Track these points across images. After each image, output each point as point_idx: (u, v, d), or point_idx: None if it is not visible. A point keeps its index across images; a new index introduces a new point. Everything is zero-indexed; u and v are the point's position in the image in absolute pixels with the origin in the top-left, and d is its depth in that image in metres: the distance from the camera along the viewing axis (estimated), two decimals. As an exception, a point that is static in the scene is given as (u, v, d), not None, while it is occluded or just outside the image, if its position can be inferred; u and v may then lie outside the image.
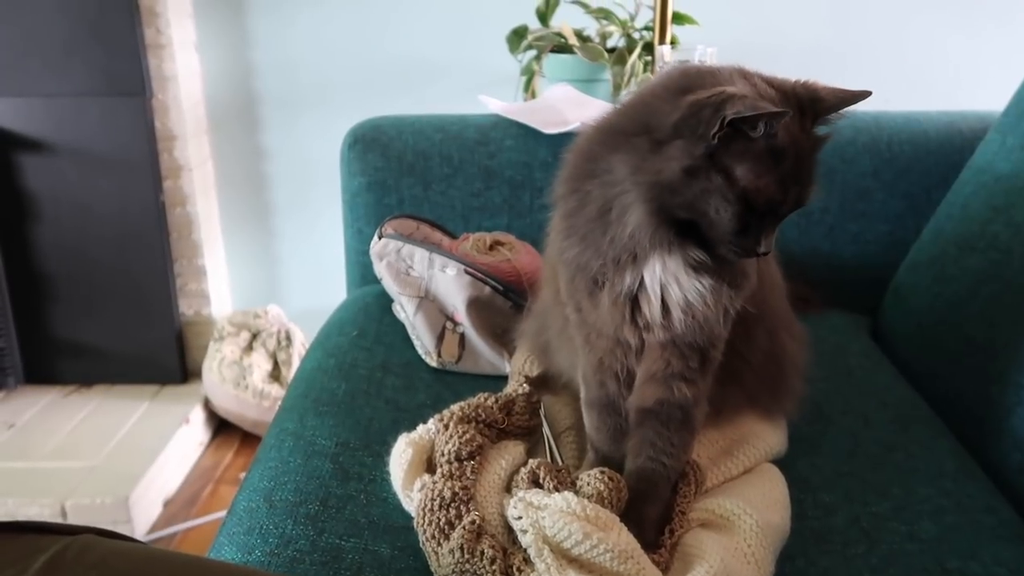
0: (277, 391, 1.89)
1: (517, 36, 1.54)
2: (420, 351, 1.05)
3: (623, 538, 0.63)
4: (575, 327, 0.74)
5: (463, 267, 1.06)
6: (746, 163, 0.58)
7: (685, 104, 0.58)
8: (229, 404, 1.90)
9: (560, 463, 0.79)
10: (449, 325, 1.05)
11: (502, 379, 0.98)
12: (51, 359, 1.97)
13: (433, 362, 1.03)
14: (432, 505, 0.69)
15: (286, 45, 1.87)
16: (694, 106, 0.58)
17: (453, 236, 1.19)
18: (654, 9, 1.41)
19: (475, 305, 1.04)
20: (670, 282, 0.65)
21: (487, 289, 1.05)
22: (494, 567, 0.63)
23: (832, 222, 1.23)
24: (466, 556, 0.63)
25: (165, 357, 1.98)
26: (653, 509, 0.71)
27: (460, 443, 0.75)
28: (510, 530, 0.68)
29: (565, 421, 0.86)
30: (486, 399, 0.83)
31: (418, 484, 0.73)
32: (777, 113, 0.56)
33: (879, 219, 1.23)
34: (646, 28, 1.49)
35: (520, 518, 0.66)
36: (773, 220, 0.61)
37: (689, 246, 0.63)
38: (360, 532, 0.72)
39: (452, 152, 1.26)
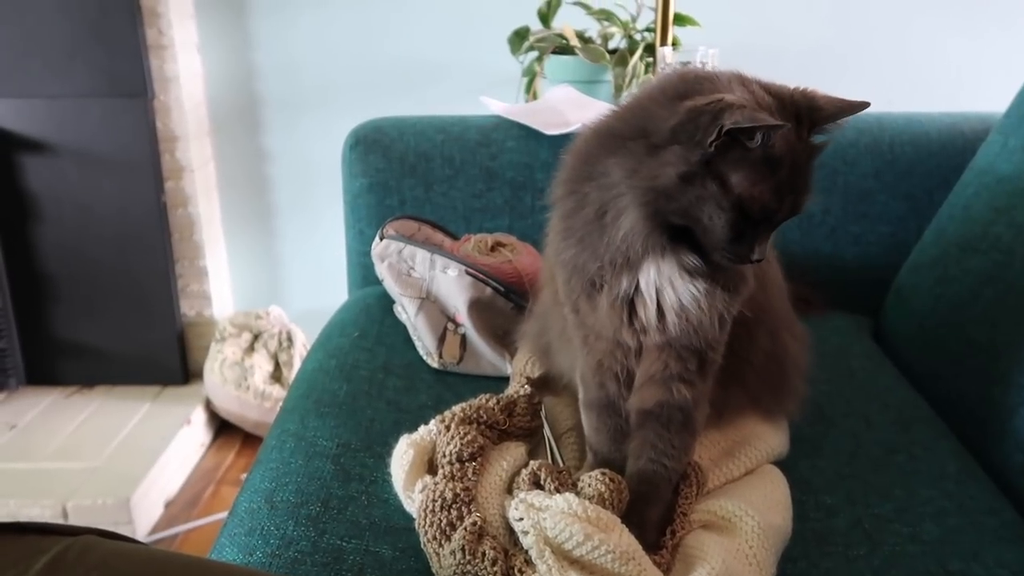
0: (278, 392, 1.89)
1: (519, 37, 1.54)
2: (421, 352, 1.05)
3: (624, 539, 0.63)
4: (573, 328, 0.74)
5: (464, 268, 1.06)
6: (742, 171, 0.57)
7: (683, 110, 0.58)
8: (230, 405, 1.90)
9: (561, 464, 0.79)
10: (450, 326, 1.05)
11: (503, 380, 0.98)
12: (52, 360, 1.98)
13: (434, 363, 1.03)
14: (433, 506, 0.69)
15: (288, 46, 1.88)
16: (692, 112, 0.58)
17: (454, 237, 1.19)
18: (656, 10, 1.41)
19: (476, 306, 1.04)
20: (664, 286, 0.65)
21: (488, 290, 1.05)
22: (495, 568, 0.63)
23: (834, 223, 1.23)
24: (467, 557, 0.63)
25: (166, 358, 1.98)
26: (654, 511, 0.71)
27: (461, 444, 0.75)
28: (511, 531, 0.68)
29: (566, 422, 0.86)
30: (487, 400, 0.83)
31: (419, 485, 0.73)
32: (775, 126, 0.56)
33: (881, 220, 1.23)
34: (648, 29, 1.49)
35: (521, 519, 0.66)
36: (768, 228, 0.61)
37: (683, 251, 0.63)
38: (361, 533, 0.72)
39: (454, 153, 1.26)
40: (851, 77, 1.79)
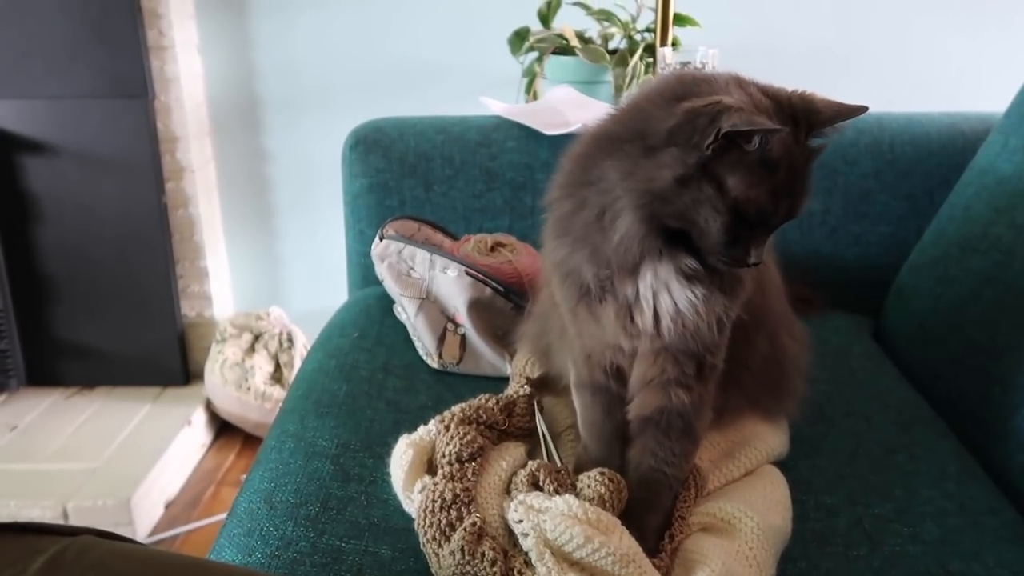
0: (279, 393, 1.89)
1: (519, 38, 1.54)
2: (421, 352, 1.05)
3: (624, 542, 0.63)
4: (569, 323, 0.74)
5: (464, 268, 1.06)
6: (738, 174, 0.57)
7: (680, 111, 0.58)
8: (231, 406, 1.90)
9: (558, 463, 0.79)
10: (450, 326, 1.05)
11: (503, 380, 0.98)
12: (53, 361, 1.98)
13: (434, 363, 1.03)
14: (433, 507, 0.69)
15: (288, 47, 1.88)
16: (689, 114, 0.57)
17: (454, 238, 1.19)
18: (656, 11, 1.41)
19: (476, 306, 1.04)
20: (660, 290, 0.64)
21: (488, 290, 1.05)
22: (495, 569, 0.63)
23: (834, 223, 1.23)
24: (467, 558, 0.63)
25: (167, 359, 1.98)
26: (655, 518, 0.71)
27: (461, 444, 0.75)
28: (511, 532, 0.68)
29: (565, 421, 0.86)
30: (487, 400, 0.83)
31: (419, 485, 0.73)
32: (773, 130, 0.56)
33: (881, 220, 1.23)
34: (648, 30, 1.49)
35: (521, 521, 0.66)
36: (764, 231, 0.60)
37: (681, 254, 0.62)
38: (361, 534, 0.72)
39: (454, 154, 1.26)
40: (851, 77, 1.79)
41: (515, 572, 0.63)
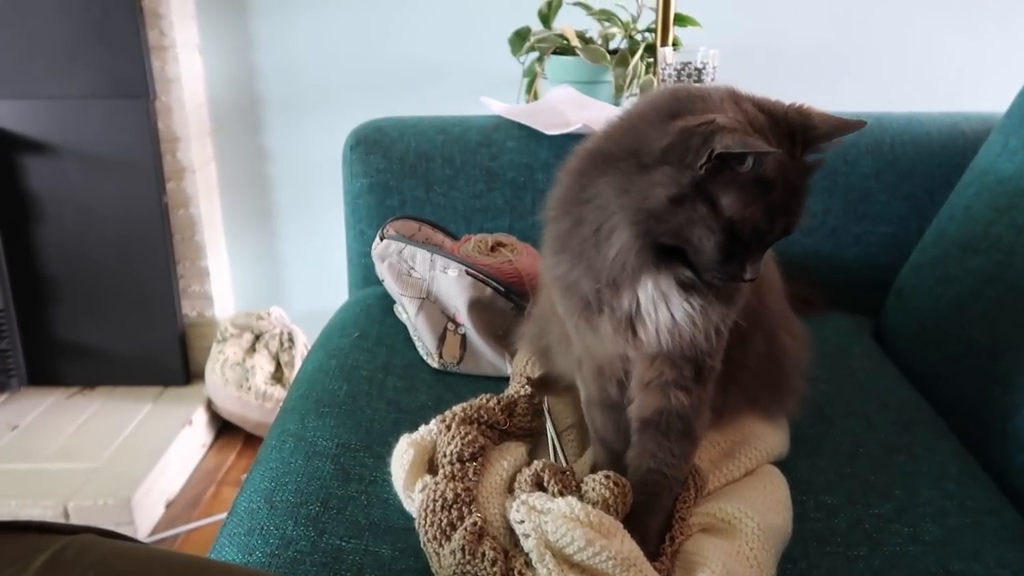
0: (279, 393, 1.89)
1: (519, 38, 1.54)
2: (422, 352, 1.05)
3: (626, 546, 0.63)
4: (573, 337, 0.74)
5: (464, 268, 1.06)
6: (732, 193, 0.57)
7: (674, 130, 0.57)
8: (232, 406, 1.90)
9: (565, 464, 0.79)
10: (451, 326, 1.05)
11: (504, 380, 0.98)
12: (54, 361, 1.98)
13: (435, 363, 1.03)
14: (434, 506, 0.69)
15: (289, 47, 1.88)
16: (683, 133, 0.57)
17: (455, 237, 1.19)
18: (656, 11, 1.41)
19: (477, 306, 1.04)
20: (658, 302, 0.64)
21: (488, 290, 1.05)
22: (495, 569, 0.63)
23: (835, 223, 1.23)
24: (467, 557, 0.63)
25: (168, 359, 1.98)
26: (655, 520, 0.71)
27: (462, 444, 0.75)
28: (512, 532, 0.68)
29: (567, 420, 0.86)
30: (488, 400, 0.83)
31: (419, 485, 0.73)
32: (766, 152, 0.55)
33: (882, 220, 1.23)
34: (648, 30, 1.49)
35: (523, 522, 0.66)
36: (760, 249, 0.60)
37: (678, 267, 0.62)
38: (361, 533, 0.72)
39: (454, 154, 1.26)
40: (851, 77, 1.79)
41: (515, 572, 0.63)
